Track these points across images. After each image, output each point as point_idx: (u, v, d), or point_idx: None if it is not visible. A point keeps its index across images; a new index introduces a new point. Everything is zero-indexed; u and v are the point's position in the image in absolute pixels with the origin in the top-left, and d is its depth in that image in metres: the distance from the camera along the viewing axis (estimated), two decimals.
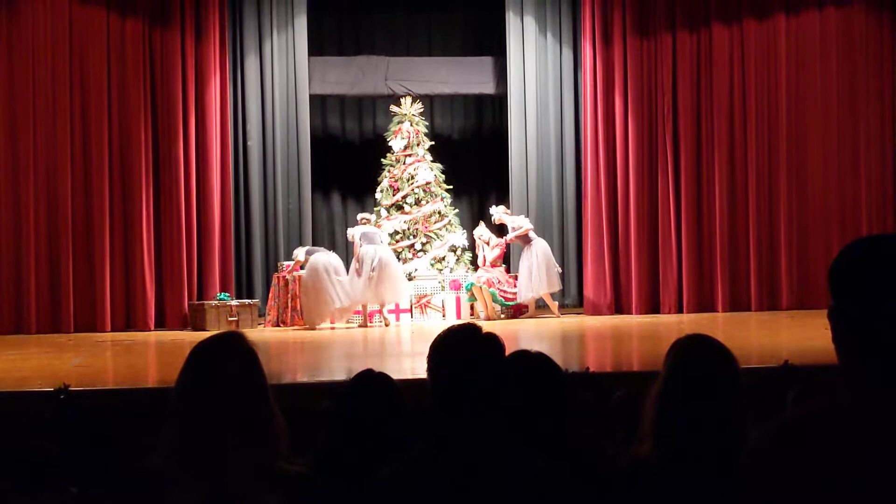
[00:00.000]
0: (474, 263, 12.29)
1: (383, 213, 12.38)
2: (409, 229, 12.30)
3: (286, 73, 12.47)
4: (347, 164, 13.74)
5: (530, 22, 12.64)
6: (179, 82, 11.70)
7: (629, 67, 12.27)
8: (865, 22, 12.38)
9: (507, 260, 12.30)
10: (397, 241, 12.24)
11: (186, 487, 2.07)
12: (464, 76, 13.19)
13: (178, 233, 11.59)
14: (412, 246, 12.25)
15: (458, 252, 12.38)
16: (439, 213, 12.42)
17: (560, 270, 11.94)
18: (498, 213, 12.02)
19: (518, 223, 11.82)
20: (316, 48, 12.89)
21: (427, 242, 12.29)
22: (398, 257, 11.96)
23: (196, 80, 11.83)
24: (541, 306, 11.96)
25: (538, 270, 11.57)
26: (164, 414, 2.16)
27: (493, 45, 13.26)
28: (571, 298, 12.80)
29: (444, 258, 12.25)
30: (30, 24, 11.21)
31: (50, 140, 11.24)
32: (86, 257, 11.30)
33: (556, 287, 11.85)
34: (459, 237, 12.41)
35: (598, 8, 12.30)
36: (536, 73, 12.67)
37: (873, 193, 12.30)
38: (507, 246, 12.15)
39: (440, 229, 12.35)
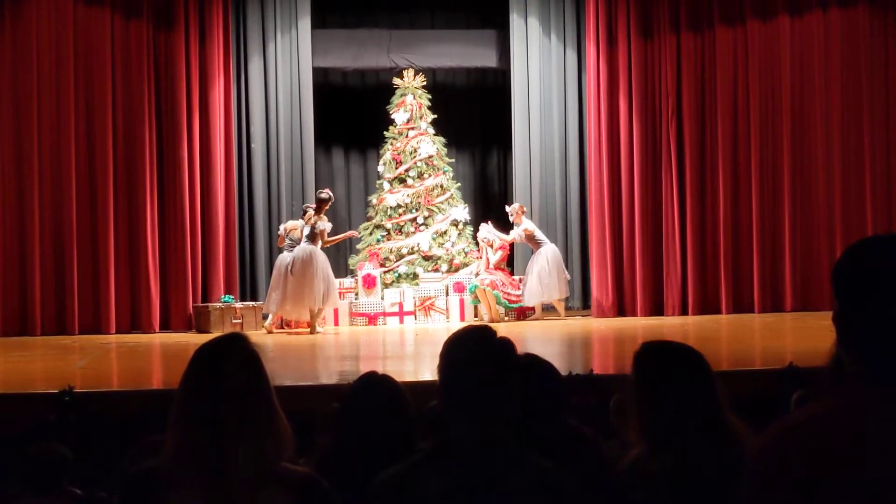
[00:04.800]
0: (475, 240, 12.28)
1: (386, 185, 12.39)
2: (411, 203, 12.31)
3: (289, 77, 12.43)
4: (350, 139, 13.62)
5: (534, 24, 12.63)
6: (183, 84, 11.72)
7: (633, 69, 12.27)
8: (870, 23, 12.34)
9: (510, 262, 12.30)
10: (400, 215, 12.26)
11: (190, 489, 2.08)
12: (467, 49, 13.13)
13: (182, 235, 11.61)
14: (414, 220, 12.26)
15: (460, 226, 12.39)
16: (441, 186, 12.43)
17: (569, 278, 11.94)
18: (514, 210, 11.94)
19: (518, 232, 11.76)
20: (318, 21, 12.81)
21: (429, 216, 12.30)
22: (400, 230, 12.01)
23: (200, 81, 11.84)
24: (546, 308, 11.96)
25: (549, 277, 11.56)
26: (168, 416, 2.16)
27: (496, 19, 13.17)
28: (575, 300, 12.78)
29: (446, 232, 12.26)
30: (34, 25, 11.23)
31: (54, 142, 11.26)
32: (90, 259, 11.32)
33: (565, 294, 11.86)
34: (461, 211, 12.42)
35: (601, 9, 12.30)
36: (540, 76, 12.64)
37: (877, 195, 12.26)
38: (511, 248, 12.15)
39: (442, 203, 12.36)
